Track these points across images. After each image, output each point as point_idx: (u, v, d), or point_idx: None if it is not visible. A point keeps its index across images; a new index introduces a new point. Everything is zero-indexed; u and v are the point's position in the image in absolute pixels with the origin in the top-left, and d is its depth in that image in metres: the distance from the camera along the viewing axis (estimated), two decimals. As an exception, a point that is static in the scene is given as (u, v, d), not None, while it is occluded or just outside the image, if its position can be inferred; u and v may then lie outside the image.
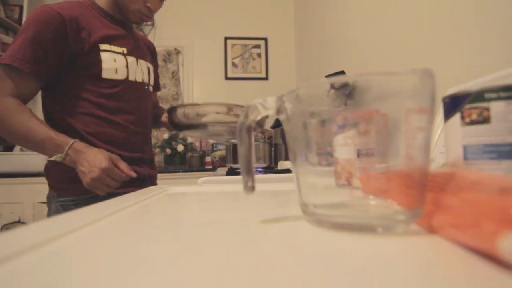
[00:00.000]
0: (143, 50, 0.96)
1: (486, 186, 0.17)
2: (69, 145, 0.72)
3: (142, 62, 0.91)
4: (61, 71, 0.78)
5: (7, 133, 0.73)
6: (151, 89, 0.97)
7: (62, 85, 0.80)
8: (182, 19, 2.55)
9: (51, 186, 0.83)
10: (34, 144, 0.73)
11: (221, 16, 2.62)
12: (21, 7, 2.27)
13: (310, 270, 0.15)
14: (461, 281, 0.14)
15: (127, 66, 0.85)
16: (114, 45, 0.83)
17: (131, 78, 0.86)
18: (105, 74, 0.81)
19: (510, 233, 0.13)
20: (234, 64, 2.62)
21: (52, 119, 0.81)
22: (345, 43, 1.59)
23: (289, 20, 2.68)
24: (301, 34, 2.48)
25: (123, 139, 0.85)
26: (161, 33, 2.30)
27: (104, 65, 0.80)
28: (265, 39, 2.64)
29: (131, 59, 0.86)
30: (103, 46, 0.81)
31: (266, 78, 2.62)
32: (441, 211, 0.20)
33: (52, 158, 0.72)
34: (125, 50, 0.85)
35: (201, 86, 2.58)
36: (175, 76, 2.53)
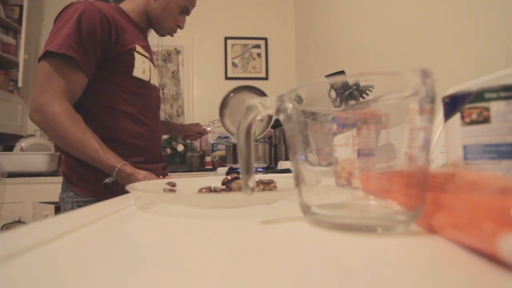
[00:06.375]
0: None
1: (486, 186, 0.17)
2: (116, 170, 0.75)
3: (155, 70, 0.98)
4: (97, 67, 0.82)
5: (60, 141, 0.75)
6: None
7: (94, 78, 0.81)
8: (182, 19, 2.54)
9: (70, 184, 0.83)
10: (85, 158, 0.76)
11: (221, 16, 2.61)
12: (21, 7, 2.27)
13: (310, 271, 0.15)
14: (461, 281, 0.14)
15: (150, 70, 0.92)
16: (143, 48, 0.90)
17: (152, 81, 0.93)
18: (136, 73, 0.86)
19: (510, 233, 0.13)
20: (234, 64, 2.61)
21: (80, 111, 0.82)
22: (345, 43, 1.58)
23: (289, 20, 2.68)
24: (301, 34, 2.48)
25: (146, 137, 0.90)
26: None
27: (136, 64, 0.86)
28: (265, 39, 2.64)
29: (151, 65, 0.94)
30: (137, 48, 0.87)
31: (266, 78, 2.62)
32: (441, 211, 0.20)
33: (106, 181, 0.77)
34: (148, 56, 0.93)
35: (201, 86, 2.58)
36: (175, 76, 2.53)
